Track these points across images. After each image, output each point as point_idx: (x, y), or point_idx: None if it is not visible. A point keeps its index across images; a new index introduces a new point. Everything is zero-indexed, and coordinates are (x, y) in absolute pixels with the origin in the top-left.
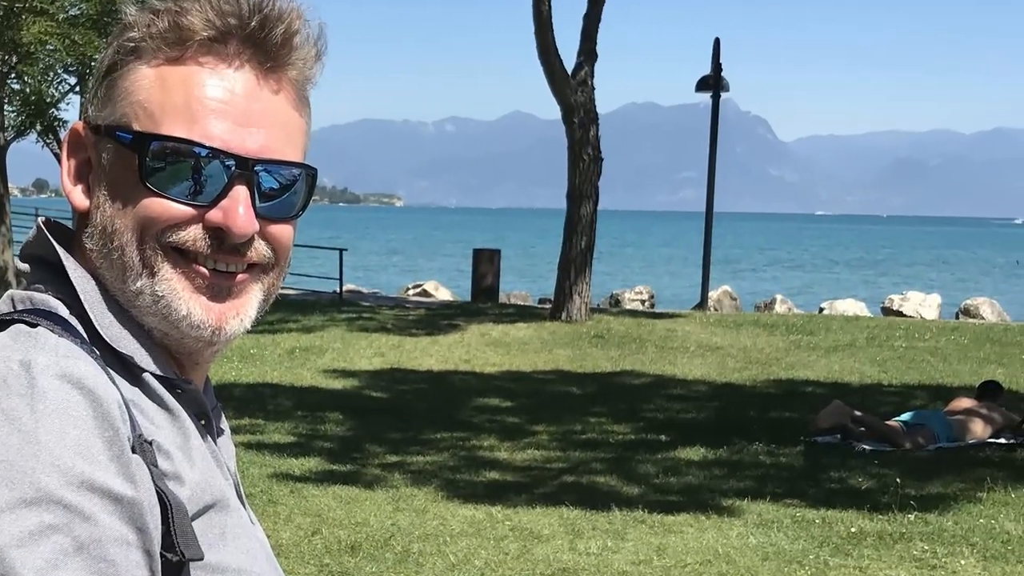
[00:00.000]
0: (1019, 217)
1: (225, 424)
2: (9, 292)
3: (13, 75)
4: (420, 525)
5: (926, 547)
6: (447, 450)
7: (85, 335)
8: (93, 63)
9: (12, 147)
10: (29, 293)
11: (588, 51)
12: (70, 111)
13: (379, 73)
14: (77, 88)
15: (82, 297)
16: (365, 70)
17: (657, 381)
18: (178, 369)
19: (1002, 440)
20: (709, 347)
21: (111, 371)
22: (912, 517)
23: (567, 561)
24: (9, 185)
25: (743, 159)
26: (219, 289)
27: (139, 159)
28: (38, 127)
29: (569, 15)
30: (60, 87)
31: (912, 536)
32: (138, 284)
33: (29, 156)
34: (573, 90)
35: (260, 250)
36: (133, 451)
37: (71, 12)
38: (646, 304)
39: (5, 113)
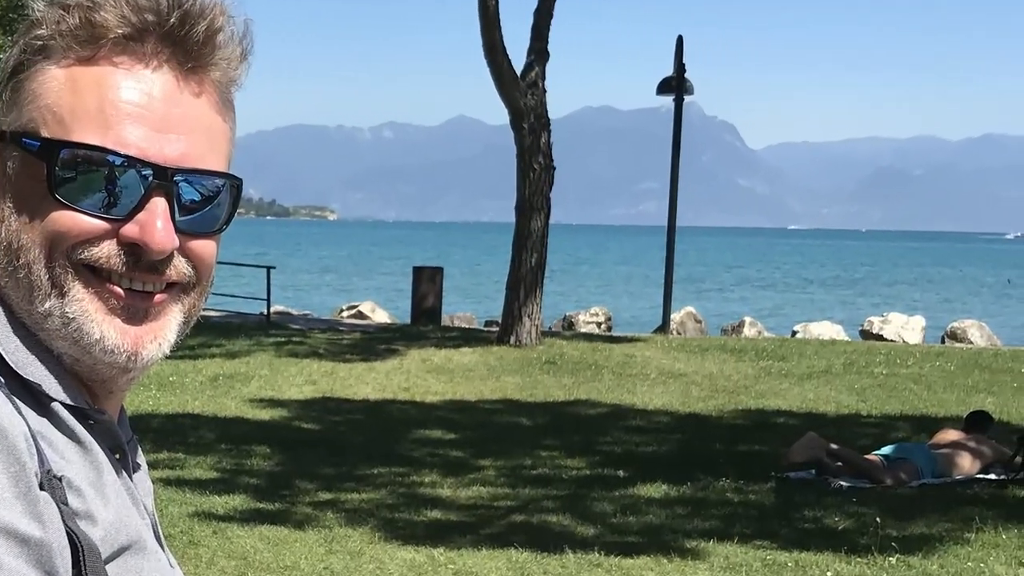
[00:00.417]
0: (1010, 231)
1: (142, 458)
2: None
3: None
4: (355, 569)
5: None
6: (385, 487)
7: None
8: None
9: None
10: None
11: (539, 50)
12: None
13: (311, 75)
14: None
15: None
16: (295, 71)
17: (614, 411)
18: (90, 398)
19: (992, 476)
20: (671, 374)
21: (16, 400)
22: (893, 560)
23: None
24: None
25: (709, 168)
26: (135, 311)
27: (47, 168)
28: None
29: (519, 11)
30: None
31: None
32: (46, 305)
33: None
34: (523, 93)
35: (180, 268)
36: (41, 488)
37: None
38: (602, 327)
39: None
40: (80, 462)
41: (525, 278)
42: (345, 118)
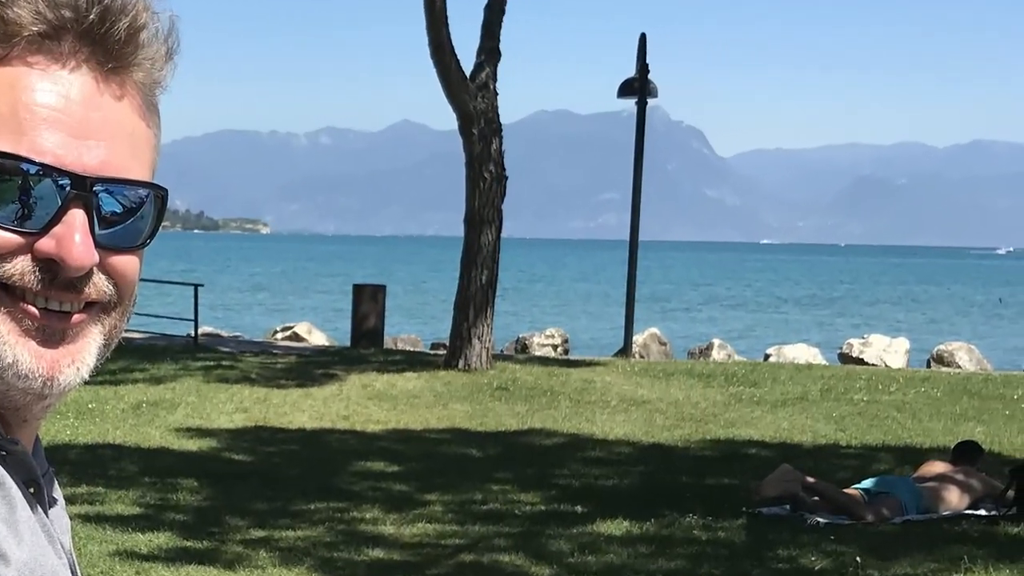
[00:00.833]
0: (1002, 246)
1: (58, 493)
2: None
3: None
4: None
5: None
6: (322, 523)
7: None
8: None
9: None
10: None
11: (490, 49)
12: None
13: (242, 76)
14: None
15: None
16: (225, 72)
17: (572, 441)
18: (2, 427)
19: (982, 512)
20: (634, 401)
21: None
22: None
23: None
24: None
25: (674, 177)
26: (51, 332)
27: None
28: None
29: (468, 7)
30: None
31: None
32: None
33: None
34: (472, 95)
35: (100, 286)
36: None
37: None
38: (559, 350)
39: None
40: None
41: (475, 297)
42: (279, 123)
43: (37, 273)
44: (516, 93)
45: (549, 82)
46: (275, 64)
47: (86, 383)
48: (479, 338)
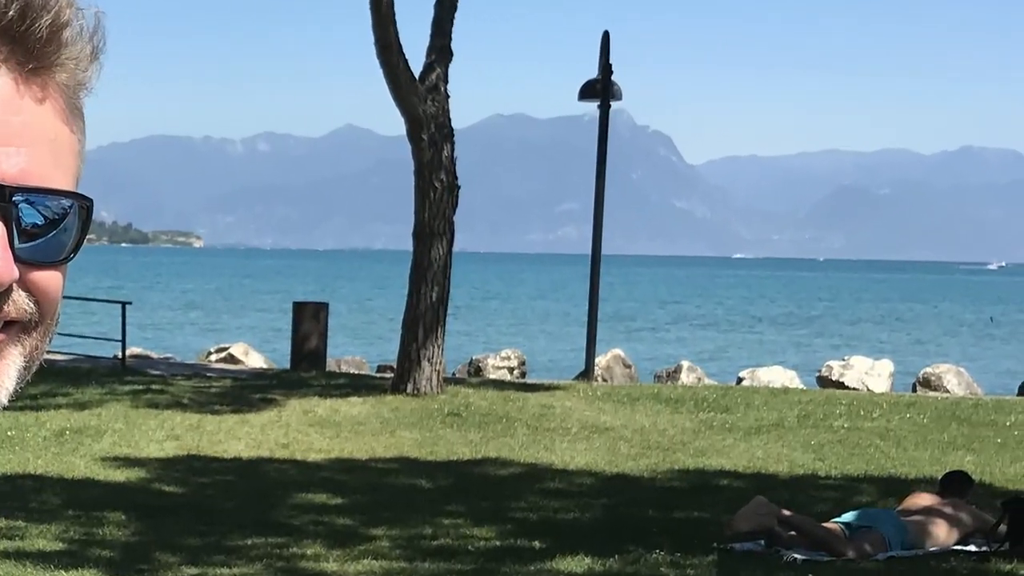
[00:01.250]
0: (993, 260)
1: None
2: None
3: None
4: None
5: None
6: (260, 559)
7: None
8: None
9: None
10: None
11: (441, 48)
12: None
13: (173, 77)
14: None
15: None
16: (155, 74)
17: (529, 472)
18: None
19: (972, 547)
20: (596, 428)
21: None
22: None
23: None
24: None
25: (640, 187)
26: None
27: None
28: None
29: (417, 4)
30: None
31: None
32: None
33: None
34: (422, 98)
35: (20, 303)
36: None
37: None
38: (515, 373)
39: None
40: None
41: (424, 315)
42: (213, 128)
43: None
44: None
45: (505, 84)
46: (209, 64)
47: (5, 408)
48: (429, 360)
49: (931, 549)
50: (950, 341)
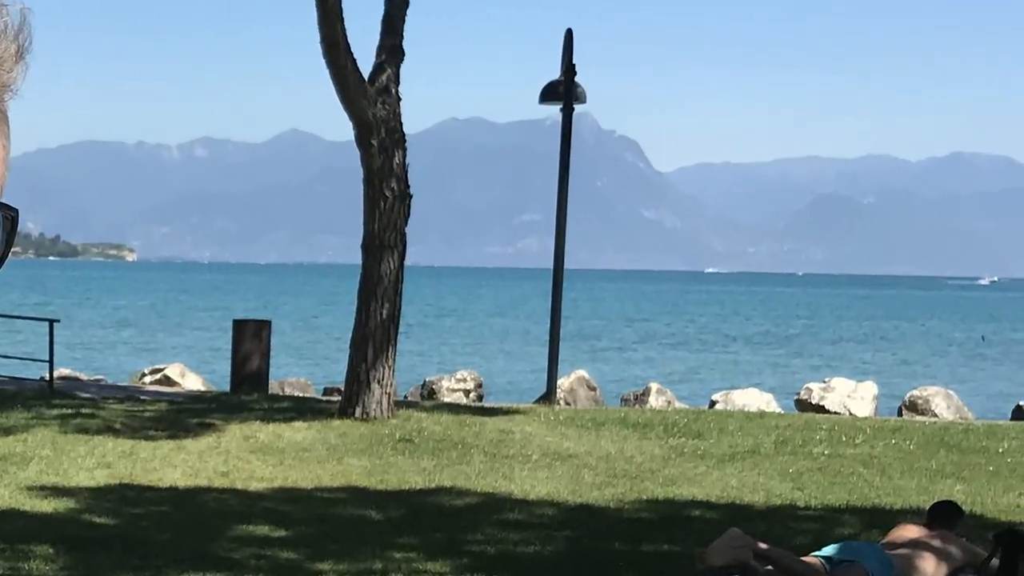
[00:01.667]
0: (984, 275)
1: None
2: None
3: None
4: None
5: None
6: None
7: None
8: None
9: None
10: None
11: (392, 47)
12: None
13: (104, 79)
14: None
15: None
16: (86, 75)
17: (487, 501)
18: None
19: None
20: (558, 455)
21: None
22: None
23: None
24: None
25: (606, 196)
26: None
27: None
28: None
29: (366, 2)
30: None
31: None
32: None
33: None
34: (371, 100)
35: None
36: None
37: None
38: (471, 396)
39: None
40: None
41: (374, 334)
42: (147, 133)
43: None
44: (422, 98)
45: (460, 85)
46: (143, 65)
47: None
48: (379, 382)
49: None
50: (938, 362)
